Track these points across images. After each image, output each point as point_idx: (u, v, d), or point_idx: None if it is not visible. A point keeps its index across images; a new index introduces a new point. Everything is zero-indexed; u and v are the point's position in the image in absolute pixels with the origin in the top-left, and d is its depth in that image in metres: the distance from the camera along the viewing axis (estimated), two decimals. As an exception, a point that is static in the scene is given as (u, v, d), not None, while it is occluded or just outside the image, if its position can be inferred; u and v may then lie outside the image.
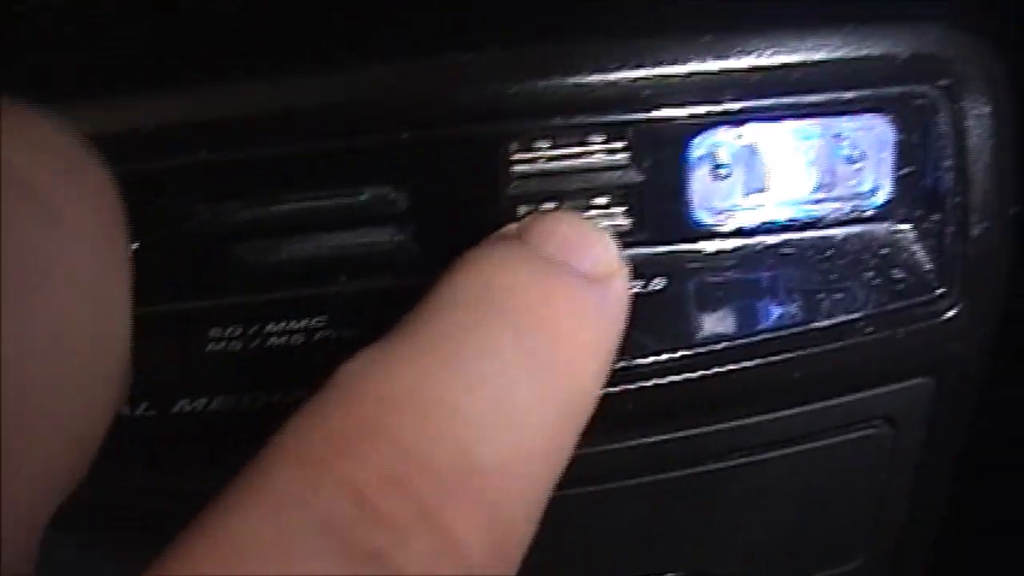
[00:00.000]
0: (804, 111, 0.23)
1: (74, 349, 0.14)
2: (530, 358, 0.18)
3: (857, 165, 0.24)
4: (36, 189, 0.14)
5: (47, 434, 0.14)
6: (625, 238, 0.23)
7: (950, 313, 0.24)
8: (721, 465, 0.25)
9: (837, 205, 0.24)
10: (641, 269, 0.23)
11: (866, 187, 0.24)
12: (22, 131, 0.15)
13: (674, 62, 0.21)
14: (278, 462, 0.15)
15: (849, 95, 0.22)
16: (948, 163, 0.23)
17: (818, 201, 0.24)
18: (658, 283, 0.23)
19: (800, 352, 0.23)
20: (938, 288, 0.24)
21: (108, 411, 0.15)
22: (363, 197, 0.23)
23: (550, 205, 0.23)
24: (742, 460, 0.26)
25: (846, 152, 0.23)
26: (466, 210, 0.23)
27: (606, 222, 0.23)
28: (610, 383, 0.20)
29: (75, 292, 0.15)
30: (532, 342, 0.18)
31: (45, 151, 0.15)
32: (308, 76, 0.22)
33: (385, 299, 0.24)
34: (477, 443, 0.16)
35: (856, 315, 0.24)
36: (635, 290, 0.23)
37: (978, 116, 0.22)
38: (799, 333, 0.23)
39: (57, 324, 0.14)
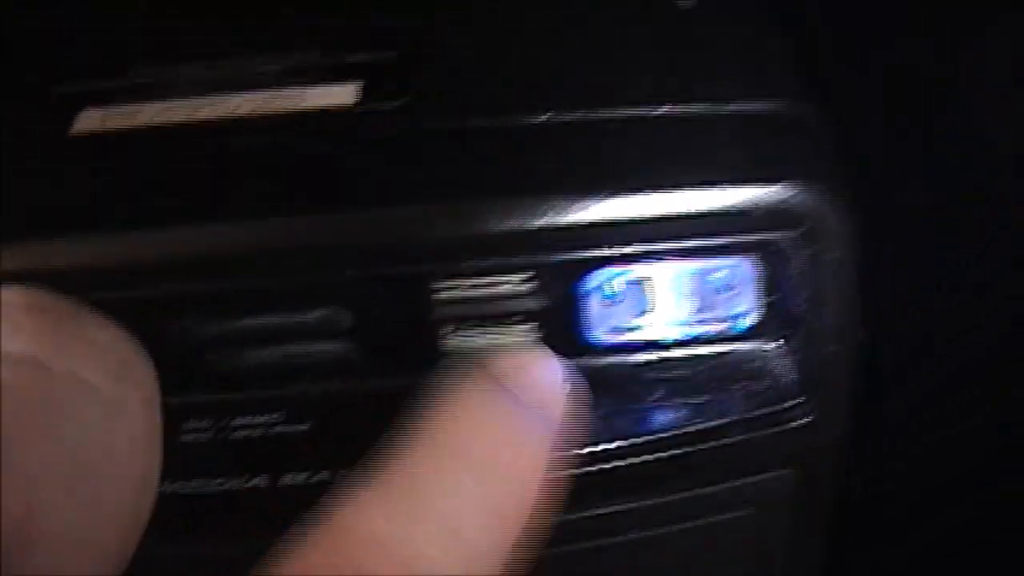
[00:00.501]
0: (682, 254, 0.26)
1: (130, 501, 0.19)
2: (494, 512, 0.21)
3: (729, 295, 0.27)
4: (102, 391, 0.19)
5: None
6: (533, 353, 0.28)
7: (806, 419, 0.27)
8: (613, 541, 0.29)
9: (713, 326, 0.28)
10: (546, 380, 0.28)
11: (738, 312, 0.28)
12: (84, 337, 0.20)
13: (567, 216, 0.25)
14: None
15: (719, 241, 0.26)
16: (803, 295, 0.26)
17: (697, 323, 0.28)
18: (561, 392, 0.28)
19: (680, 450, 0.27)
20: (797, 398, 0.27)
21: (141, 532, 0.20)
22: (314, 316, 0.27)
23: (472, 324, 0.28)
24: (631, 537, 0.29)
25: (719, 285, 0.27)
26: (400, 328, 0.27)
27: (517, 338, 0.28)
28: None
29: (132, 461, 0.20)
30: (499, 497, 0.21)
31: (105, 353, 0.20)
32: (270, 222, 0.25)
33: (332, 399, 0.28)
34: None
35: (728, 419, 0.27)
36: (540, 398, 0.27)
37: (826, 258, 0.26)
38: (680, 434, 0.27)
39: (121, 487, 0.19)
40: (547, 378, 0.24)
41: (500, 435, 0.22)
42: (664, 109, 0.27)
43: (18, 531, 0.18)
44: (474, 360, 0.24)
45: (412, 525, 0.20)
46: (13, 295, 0.21)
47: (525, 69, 0.28)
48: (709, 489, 0.29)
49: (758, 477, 0.29)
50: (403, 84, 0.28)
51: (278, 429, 0.27)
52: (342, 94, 0.28)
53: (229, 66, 0.29)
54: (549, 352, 0.24)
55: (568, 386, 0.24)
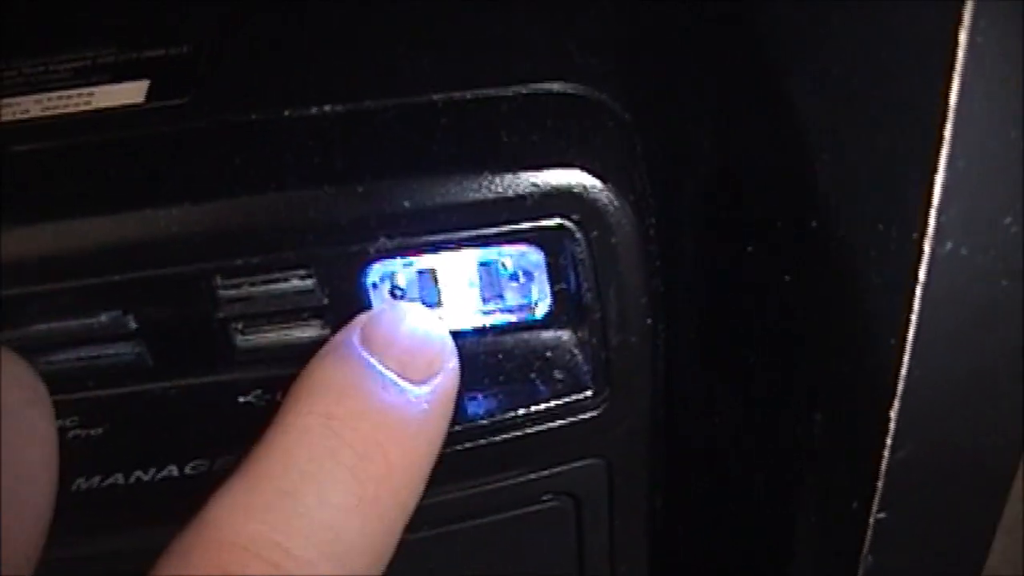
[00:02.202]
0: (464, 243, 0.26)
1: (46, 515, 0.21)
2: (364, 500, 0.21)
3: (519, 283, 0.27)
4: (20, 417, 0.21)
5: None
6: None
7: (602, 408, 0.27)
8: (430, 533, 0.29)
9: (506, 316, 0.27)
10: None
11: (530, 300, 0.27)
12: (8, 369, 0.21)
13: (343, 208, 0.25)
14: None
15: (501, 229, 0.25)
16: (587, 284, 0.26)
17: (488, 312, 0.27)
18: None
19: (475, 442, 0.27)
20: (590, 387, 0.27)
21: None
22: (100, 320, 0.27)
23: (260, 321, 0.27)
24: (448, 528, 0.29)
25: (508, 273, 0.27)
26: (185, 328, 0.27)
27: (306, 333, 0.27)
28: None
29: (48, 479, 0.22)
30: (368, 484, 0.21)
31: (18, 380, 0.22)
32: (50, 226, 0.25)
33: (125, 401, 0.28)
34: None
35: (525, 410, 0.27)
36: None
37: (605, 245, 0.25)
38: (475, 426, 0.27)
39: (41, 502, 0.21)
40: (432, 349, 0.23)
41: (381, 423, 0.21)
42: (444, 95, 0.26)
43: None
44: (349, 333, 0.23)
45: (287, 529, 0.20)
46: None
47: (308, 62, 0.28)
48: (517, 479, 0.29)
49: (566, 467, 0.29)
50: (189, 81, 0.28)
51: (73, 433, 0.27)
52: (131, 92, 0.28)
53: (20, 68, 0.28)
54: (432, 318, 0.24)
55: (454, 354, 0.23)
